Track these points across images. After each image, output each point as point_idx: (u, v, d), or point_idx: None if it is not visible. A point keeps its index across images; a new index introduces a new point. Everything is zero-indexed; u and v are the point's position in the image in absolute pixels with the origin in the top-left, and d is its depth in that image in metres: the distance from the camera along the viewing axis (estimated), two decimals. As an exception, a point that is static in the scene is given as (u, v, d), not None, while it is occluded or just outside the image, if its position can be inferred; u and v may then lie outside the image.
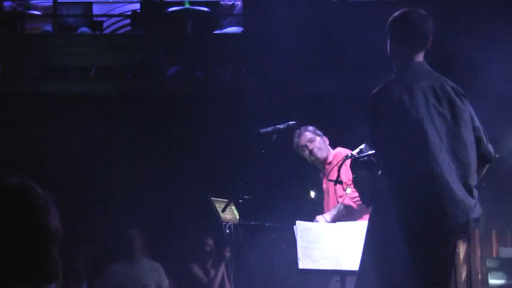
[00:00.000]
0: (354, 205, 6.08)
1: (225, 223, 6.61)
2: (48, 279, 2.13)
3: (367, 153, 4.31)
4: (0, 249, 2.08)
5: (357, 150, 4.41)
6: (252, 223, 6.58)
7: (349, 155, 4.48)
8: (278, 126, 6.14)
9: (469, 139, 4.07)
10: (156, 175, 9.05)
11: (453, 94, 4.09)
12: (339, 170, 4.77)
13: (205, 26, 9.51)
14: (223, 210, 6.44)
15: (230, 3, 9.61)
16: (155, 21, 9.47)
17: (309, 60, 8.85)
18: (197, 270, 8.22)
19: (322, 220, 6.05)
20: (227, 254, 7.82)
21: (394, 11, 4.24)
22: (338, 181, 4.74)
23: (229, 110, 8.90)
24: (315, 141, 6.57)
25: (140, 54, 9.31)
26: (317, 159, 6.56)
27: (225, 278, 8.13)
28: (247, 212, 6.41)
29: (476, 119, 4.20)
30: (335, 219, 6.03)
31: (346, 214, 6.09)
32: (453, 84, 4.17)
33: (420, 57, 4.19)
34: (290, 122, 6.18)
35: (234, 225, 6.57)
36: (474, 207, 3.99)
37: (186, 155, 8.90)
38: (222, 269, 8.15)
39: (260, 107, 8.69)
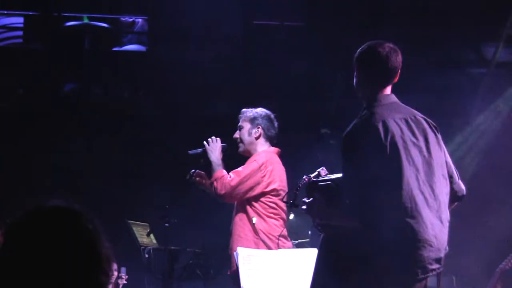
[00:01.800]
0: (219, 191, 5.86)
1: (143, 247, 6.48)
2: None
3: (328, 178, 4.19)
4: (50, 277, 1.93)
5: (315, 173, 4.26)
6: (172, 248, 6.42)
7: (306, 177, 4.27)
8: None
9: (443, 172, 4.05)
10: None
11: (426, 126, 4.07)
12: (296, 195, 4.44)
13: (104, 43, 9.39)
14: (148, 235, 6.33)
15: (131, 20, 9.52)
16: (52, 35, 9.25)
17: (213, 83, 8.91)
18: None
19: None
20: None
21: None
22: (293, 204, 4.42)
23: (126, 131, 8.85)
24: (243, 129, 6.12)
25: (34, 69, 9.06)
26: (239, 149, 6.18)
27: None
28: (173, 236, 6.32)
29: (447, 154, 4.18)
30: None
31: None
32: (425, 116, 4.15)
33: (388, 90, 4.18)
34: (222, 145, 6.04)
35: (154, 249, 6.46)
36: (447, 242, 3.96)
37: (95, 175, 8.73)
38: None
39: (159, 129, 8.72)
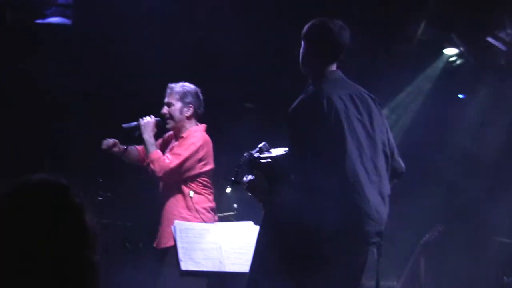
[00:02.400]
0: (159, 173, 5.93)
1: None
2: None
3: (269, 155, 4.24)
4: (36, 251, 1.90)
5: (257, 149, 4.31)
6: (103, 221, 6.40)
7: (247, 154, 4.34)
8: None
9: (385, 148, 4.15)
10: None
11: (371, 103, 4.18)
12: (237, 169, 4.45)
13: (27, 15, 9.22)
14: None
15: (53, -9, 9.38)
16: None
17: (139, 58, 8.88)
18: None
19: None
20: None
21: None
22: (235, 182, 4.42)
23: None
24: (173, 106, 6.13)
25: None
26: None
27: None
28: (108, 210, 6.32)
29: (389, 130, 4.29)
30: None
31: None
32: (369, 93, 4.27)
33: (335, 66, 4.25)
34: (156, 119, 6.06)
35: None
36: (387, 217, 4.09)
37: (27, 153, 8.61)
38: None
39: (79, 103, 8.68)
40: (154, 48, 8.63)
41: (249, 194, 4.40)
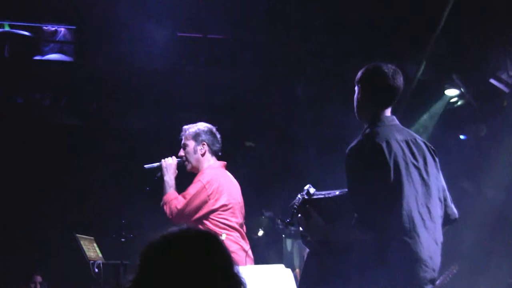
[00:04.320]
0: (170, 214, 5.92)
1: (92, 262, 6.49)
2: None
3: (325, 196, 4.28)
4: None
5: (305, 191, 4.33)
6: (124, 262, 6.40)
7: (300, 195, 4.35)
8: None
9: (439, 195, 4.21)
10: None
11: (426, 150, 4.24)
12: (294, 214, 4.42)
13: (25, 51, 9.37)
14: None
15: (53, 28, 9.53)
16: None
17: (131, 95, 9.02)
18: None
19: None
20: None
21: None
22: (290, 223, 4.43)
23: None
24: (188, 147, 6.14)
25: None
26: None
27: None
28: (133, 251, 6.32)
29: (442, 178, 4.32)
30: None
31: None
32: (424, 140, 4.33)
33: (389, 111, 4.29)
34: (178, 159, 6.08)
35: (103, 264, 6.46)
36: (440, 263, 4.11)
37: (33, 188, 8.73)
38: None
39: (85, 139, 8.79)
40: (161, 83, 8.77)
41: (302, 233, 4.41)
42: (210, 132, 6.14)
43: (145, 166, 6.07)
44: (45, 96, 9.53)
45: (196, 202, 5.89)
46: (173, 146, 8.20)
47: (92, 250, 6.54)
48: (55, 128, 9.03)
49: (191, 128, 6.12)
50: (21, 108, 9.32)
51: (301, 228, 4.38)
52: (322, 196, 4.31)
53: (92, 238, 6.67)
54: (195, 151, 6.09)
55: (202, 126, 6.15)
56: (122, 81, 8.78)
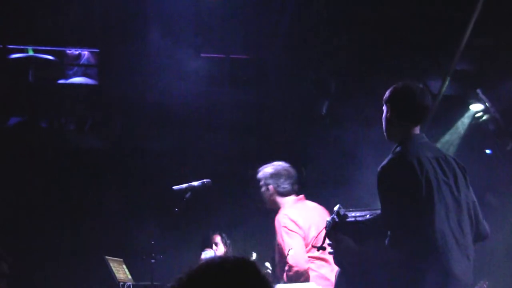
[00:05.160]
0: (284, 279, 6.04)
1: (122, 283, 6.58)
2: None
3: (356, 219, 4.35)
4: None
5: (335, 213, 4.40)
6: (155, 283, 6.48)
7: (330, 218, 4.44)
8: (192, 183, 6.19)
9: (469, 212, 4.28)
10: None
11: (456, 167, 4.32)
12: (325, 237, 4.52)
13: (49, 75, 9.51)
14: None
15: (77, 52, 9.68)
16: (-5, 67, 9.33)
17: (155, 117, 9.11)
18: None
19: None
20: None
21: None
22: (321, 247, 4.57)
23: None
24: (260, 192, 6.41)
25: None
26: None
27: None
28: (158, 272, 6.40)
29: (473, 194, 4.39)
30: None
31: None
32: (454, 157, 4.42)
33: (418, 129, 4.39)
34: (205, 180, 6.22)
35: (133, 285, 6.55)
36: (472, 281, 4.21)
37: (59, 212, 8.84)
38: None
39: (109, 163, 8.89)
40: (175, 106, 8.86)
41: (334, 256, 4.46)
42: (275, 174, 6.36)
43: (173, 187, 6.15)
44: (70, 120, 9.66)
45: (296, 242, 6.02)
46: (198, 167, 8.34)
47: (121, 272, 6.63)
48: (80, 153, 9.12)
49: (258, 175, 6.38)
50: (45, 133, 9.43)
51: (332, 250, 4.44)
52: (353, 220, 4.37)
53: (121, 260, 6.76)
54: (264, 195, 6.36)
55: (266, 169, 6.39)
56: (145, 103, 8.88)
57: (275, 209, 6.29)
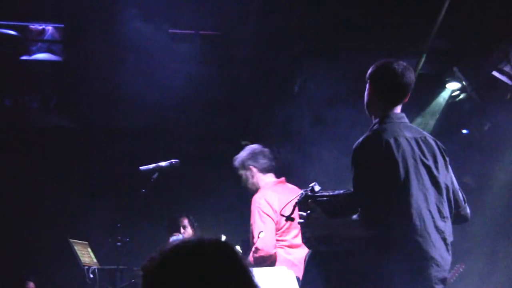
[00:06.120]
0: (250, 258, 6.05)
1: (87, 267, 6.46)
2: None
3: (329, 193, 4.31)
4: None
5: (310, 188, 4.38)
6: (120, 267, 6.39)
7: (303, 191, 4.42)
8: (160, 164, 6.16)
9: (449, 194, 4.23)
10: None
11: (436, 148, 4.27)
12: (294, 207, 4.56)
13: (11, 51, 9.26)
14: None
15: (41, 27, 9.42)
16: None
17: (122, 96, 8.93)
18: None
19: None
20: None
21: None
22: (290, 218, 4.56)
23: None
24: (242, 177, 6.52)
25: None
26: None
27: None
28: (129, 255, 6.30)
29: (454, 177, 4.36)
30: None
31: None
32: (434, 138, 4.35)
33: (399, 108, 4.33)
34: (173, 161, 6.19)
35: (99, 269, 6.44)
36: (450, 263, 4.14)
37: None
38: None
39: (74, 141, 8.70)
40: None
41: (302, 228, 4.42)
42: (252, 154, 6.48)
43: (140, 168, 6.02)
44: (34, 98, 9.43)
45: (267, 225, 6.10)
46: (166, 147, 8.17)
47: (86, 255, 6.52)
48: (45, 131, 8.92)
49: (236, 162, 6.49)
50: (9, 111, 9.22)
51: (300, 222, 4.38)
52: (326, 194, 4.32)
53: (86, 243, 6.63)
54: (247, 178, 6.47)
55: (243, 153, 6.52)
56: (112, 81, 8.68)
57: (258, 189, 6.36)
